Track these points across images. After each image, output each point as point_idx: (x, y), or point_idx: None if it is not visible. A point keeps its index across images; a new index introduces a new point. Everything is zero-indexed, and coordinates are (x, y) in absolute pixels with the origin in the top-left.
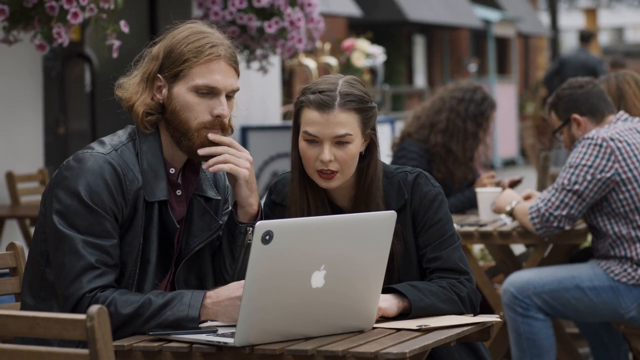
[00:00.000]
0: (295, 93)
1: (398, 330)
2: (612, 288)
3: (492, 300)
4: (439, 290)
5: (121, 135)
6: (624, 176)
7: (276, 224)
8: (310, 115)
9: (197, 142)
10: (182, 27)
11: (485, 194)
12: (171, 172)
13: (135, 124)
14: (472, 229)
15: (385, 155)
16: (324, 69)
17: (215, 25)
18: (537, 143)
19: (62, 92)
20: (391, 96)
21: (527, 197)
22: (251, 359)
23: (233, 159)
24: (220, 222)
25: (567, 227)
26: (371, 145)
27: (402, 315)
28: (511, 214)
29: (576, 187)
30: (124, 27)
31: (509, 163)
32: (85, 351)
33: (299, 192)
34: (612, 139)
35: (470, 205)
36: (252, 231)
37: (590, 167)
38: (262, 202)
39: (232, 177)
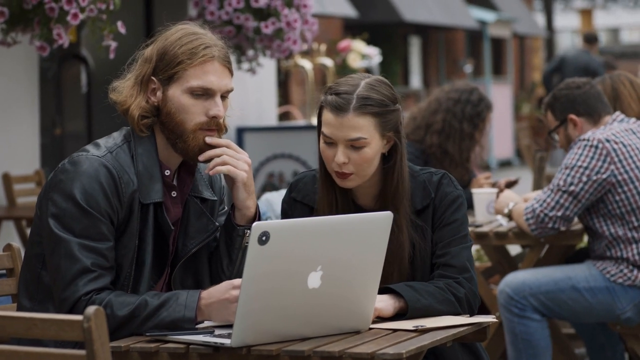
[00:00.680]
0: (291, 94)
1: (394, 330)
2: (608, 289)
3: (488, 300)
4: (436, 290)
5: (116, 137)
6: (619, 178)
7: (272, 225)
8: (327, 117)
9: (192, 144)
10: (175, 29)
11: (481, 194)
12: (166, 173)
13: (131, 127)
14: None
15: None
16: (320, 70)
17: (207, 25)
18: (533, 144)
19: (59, 93)
20: None
21: (527, 200)
22: None
23: (232, 161)
24: (217, 223)
25: (563, 228)
26: (395, 147)
27: (398, 316)
28: (509, 215)
29: (572, 188)
30: (121, 27)
31: (505, 164)
32: (82, 352)
33: (326, 191)
34: (608, 141)
35: (467, 206)
36: (250, 234)
37: (586, 168)
38: (281, 199)
39: (230, 180)
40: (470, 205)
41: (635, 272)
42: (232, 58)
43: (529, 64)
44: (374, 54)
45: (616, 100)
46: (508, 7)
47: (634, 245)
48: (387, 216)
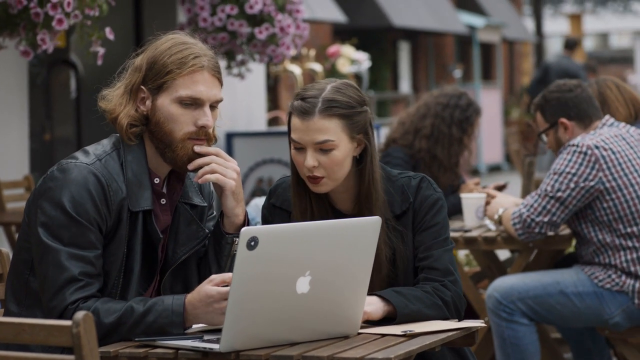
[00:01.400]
0: (281, 99)
1: (383, 335)
2: (596, 294)
3: (476, 305)
4: (424, 295)
5: (105, 144)
6: (607, 185)
7: (261, 230)
8: (294, 122)
9: (181, 153)
10: (165, 38)
11: (470, 199)
12: (156, 181)
13: (120, 136)
14: (457, 234)
15: None
16: (309, 76)
17: (198, 34)
18: (522, 149)
19: (48, 98)
20: (376, 102)
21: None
22: None
23: (220, 169)
24: (207, 230)
25: (550, 233)
26: (365, 149)
27: (386, 320)
28: (500, 221)
29: (559, 194)
30: (109, 34)
31: (494, 169)
32: (70, 357)
33: (300, 197)
34: (597, 147)
35: (455, 211)
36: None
37: (574, 174)
38: (262, 205)
39: (219, 187)
40: (460, 211)
41: (623, 277)
42: (222, 63)
43: (518, 69)
44: (363, 59)
45: (604, 105)
46: (497, 12)
47: (622, 252)
48: (375, 221)
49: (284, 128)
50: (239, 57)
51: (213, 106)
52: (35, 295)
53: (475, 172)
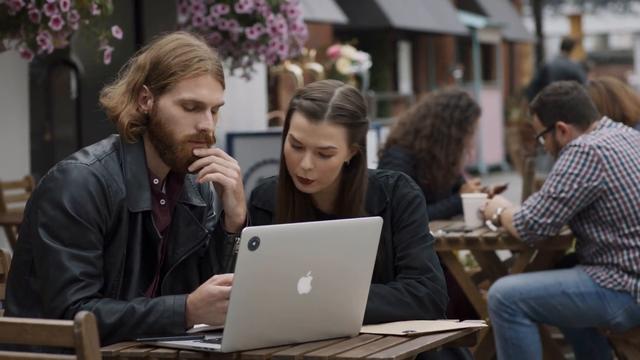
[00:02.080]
0: (281, 100)
1: (384, 335)
2: (598, 294)
3: (478, 306)
4: (390, 292)
5: (105, 145)
6: (611, 185)
7: (263, 230)
8: (299, 120)
9: (181, 155)
10: (169, 38)
11: (471, 200)
12: (155, 182)
13: (120, 135)
14: (458, 235)
15: (371, 161)
16: (310, 76)
17: (202, 36)
18: (522, 149)
19: (48, 99)
20: (376, 103)
21: None
22: None
23: (221, 168)
24: (206, 230)
25: (552, 234)
26: (357, 158)
27: None
28: (498, 221)
29: (562, 195)
30: (115, 33)
31: (495, 169)
32: (72, 357)
33: (284, 193)
34: (599, 147)
35: (456, 211)
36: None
37: (577, 175)
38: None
39: (220, 187)
40: (460, 211)
41: (626, 277)
42: (225, 65)
43: (518, 69)
44: (364, 60)
45: (615, 102)
46: (497, 12)
47: (624, 252)
48: (377, 221)
49: None
50: (245, 59)
51: (213, 110)
52: (36, 296)
53: (475, 173)
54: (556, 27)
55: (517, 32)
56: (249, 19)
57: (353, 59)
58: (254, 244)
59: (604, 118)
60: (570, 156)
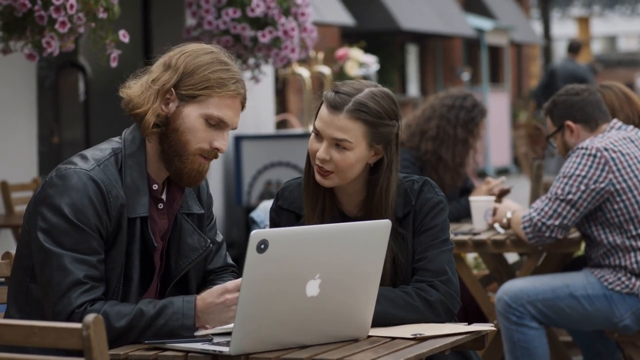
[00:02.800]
0: (289, 102)
1: (393, 339)
2: (606, 297)
3: (486, 308)
4: (398, 296)
5: (104, 149)
6: (618, 187)
7: (271, 233)
8: (322, 111)
9: (189, 167)
10: (203, 48)
11: (479, 202)
12: (154, 187)
13: (139, 131)
14: (466, 237)
15: None
16: (318, 79)
17: (214, 40)
18: (530, 152)
19: (56, 101)
20: None
21: None
22: None
23: None
24: (209, 240)
25: (560, 237)
26: (382, 161)
27: None
28: (508, 224)
29: (570, 197)
30: (122, 36)
31: (502, 172)
32: None
33: (312, 194)
34: (606, 149)
35: (466, 214)
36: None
37: (584, 177)
38: (269, 207)
39: None
40: (469, 214)
41: (633, 280)
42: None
43: (526, 71)
44: (372, 62)
45: (630, 103)
46: (505, 15)
47: (632, 254)
48: (385, 224)
49: (293, 131)
50: (252, 61)
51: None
52: (36, 302)
53: (483, 175)
54: (564, 29)
55: (525, 34)
56: (260, 23)
57: (361, 62)
58: (262, 246)
59: (614, 120)
60: (578, 158)
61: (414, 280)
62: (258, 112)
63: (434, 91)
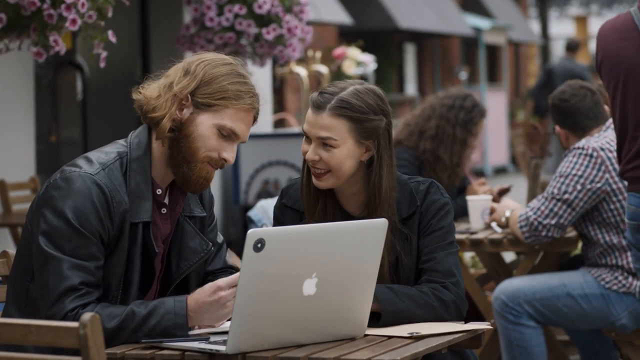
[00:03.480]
0: (286, 101)
1: (389, 337)
2: (603, 296)
3: (483, 307)
4: (417, 294)
5: (109, 152)
6: (614, 186)
7: (268, 232)
8: (307, 113)
9: (196, 174)
10: (221, 58)
11: (476, 201)
12: (158, 192)
13: (146, 134)
14: (463, 236)
15: None
16: (315, 78)
17: (216, 37)
18: (528, 151)
19: (54, 100)
20: None
21: None
22: None
23: None
24: (210, 243)
25: (556, 236)
26: (374, 158)
27: (372, 315)
28: (506, 224)
29: (566, 196)
30: (111, 37)
31: (500, 170)
32: (77, 359)
33: (310, 196)
34: (602, 149)
35: (462, 213)
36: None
37: (580, 177)
38: (274, 205)
39: None
40: (466, 213)
41: (630, 279)
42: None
43: (524, 71)
44: (369, 61)
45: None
46: (503, 14)
47: (628, 253)
48: (382, 223)
49: (290, 130)
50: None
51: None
52: (36, 302)
53: (481, 174)
54: (562, 28)
55: (523, 33)
56: (264, 20)
57: (359, 61)
58: (259, 245)
59: (610, 120)
60: (574, 158)
61: (424, 280)
62: None
63: (431, 90)
